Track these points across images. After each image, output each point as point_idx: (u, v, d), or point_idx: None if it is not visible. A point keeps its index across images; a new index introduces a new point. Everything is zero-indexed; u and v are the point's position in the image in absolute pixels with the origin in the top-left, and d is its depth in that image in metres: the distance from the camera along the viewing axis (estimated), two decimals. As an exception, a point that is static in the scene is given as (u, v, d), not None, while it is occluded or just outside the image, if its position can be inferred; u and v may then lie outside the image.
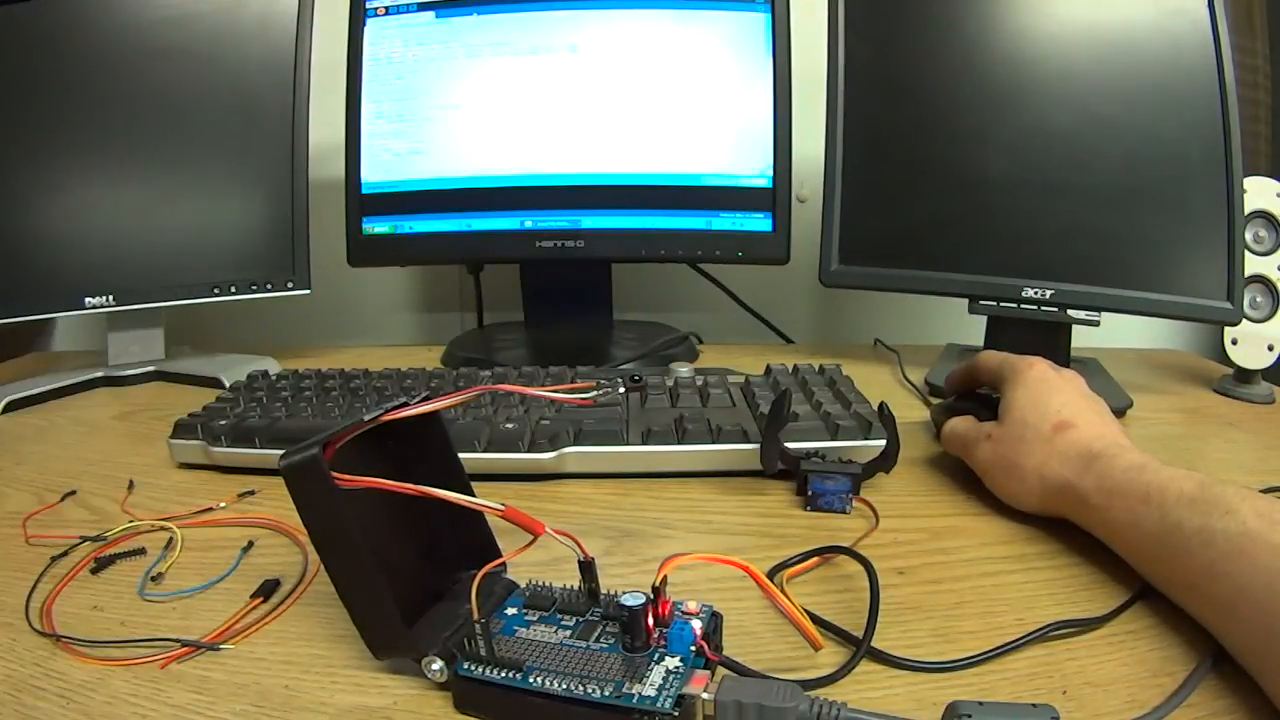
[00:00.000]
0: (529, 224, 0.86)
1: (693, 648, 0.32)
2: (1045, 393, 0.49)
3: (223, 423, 0.57)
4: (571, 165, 0.85)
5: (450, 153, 0.86)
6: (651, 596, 0.32)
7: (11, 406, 0.74)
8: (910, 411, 0.69)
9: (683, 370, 0.68)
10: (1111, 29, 0.71)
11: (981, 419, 0.54)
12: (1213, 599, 0.35)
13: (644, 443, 0.54)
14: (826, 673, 0.33)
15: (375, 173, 0.87)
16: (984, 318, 0.79)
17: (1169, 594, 0.38)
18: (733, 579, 0.40)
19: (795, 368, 0.68)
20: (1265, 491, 0.37)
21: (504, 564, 0.35)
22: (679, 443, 0.54)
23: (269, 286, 0.85)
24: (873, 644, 0.35)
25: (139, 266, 0.82)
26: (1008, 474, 0.48)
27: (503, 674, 0.31)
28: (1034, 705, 0.29)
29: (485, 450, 0.53)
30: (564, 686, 0.30)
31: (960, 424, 0.54)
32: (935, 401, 0.69)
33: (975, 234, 0.77)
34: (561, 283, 0.93)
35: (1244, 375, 0.76)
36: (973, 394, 0.59)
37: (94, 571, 0.43)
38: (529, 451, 0.53)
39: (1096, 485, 0.42)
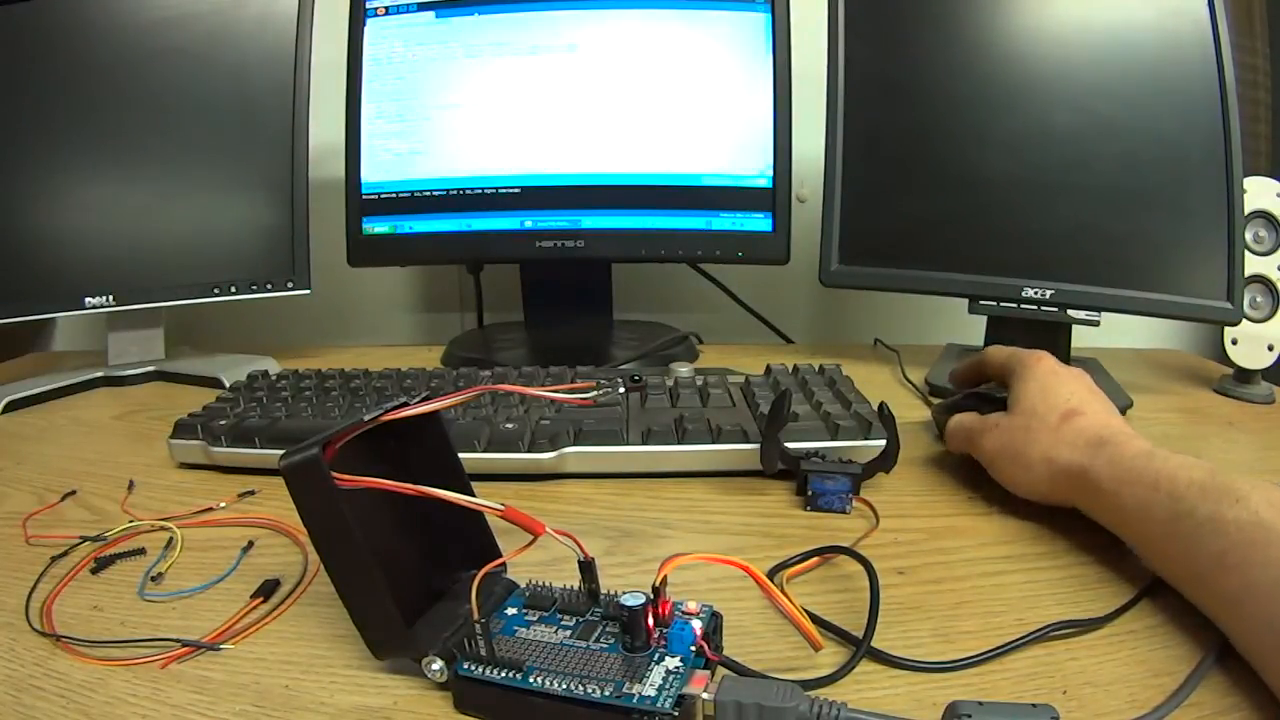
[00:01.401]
0: (529, 224, 0.86)
1: (693, 648, 0.32)
2: (1054, 384, 0.49)
3: (223, 423, 0.57)
4: (571, 165, 0.85)
5: (450, 153, 0.86)
6: (651, 596, 0.32)
7: (11, 406, 0.74)
8: (910, 411, 0.69)
9: (683, 370, 0.67)
10: (1111, 28, 0.71)
11: (985, 414, 0.54)
12: (1221, 590, 0.34)
13: (644, 443, 0.54)
14: (826, 673, 0.33)
15: (375, 173, 0.87)
16: (984, 318, 0.79)
17: (1177, 584, 0.38)
18: (733, 579, 0.40)
19: (795, 368, 0.68)
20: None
21: (504, 564, 0.35)
22: (679, 443, 0.54)
23: (269, 286, 0.85)
24: (873, 644, 0.35)
25: (139, 266, 0.82)
26: (1015, 461, 0.48)
27: (503, 674, 0.31)
28: (1034, 705, 0.29)
29: (485, 450, 0.53)
30: (564, 686, 0.30)
31: (966, 418, 0.54)
32: (936, 401, 0.69)
33: (975, 234, 0.77)
34: (561, 283, 0.93)
35: (1244, 375, 0.76)
36: (975, 393, 0.59)
37: (94, 571, 0.43)
38: (529, 451, 0.53)
39: (1107, 471, 0.42)
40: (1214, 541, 0.35)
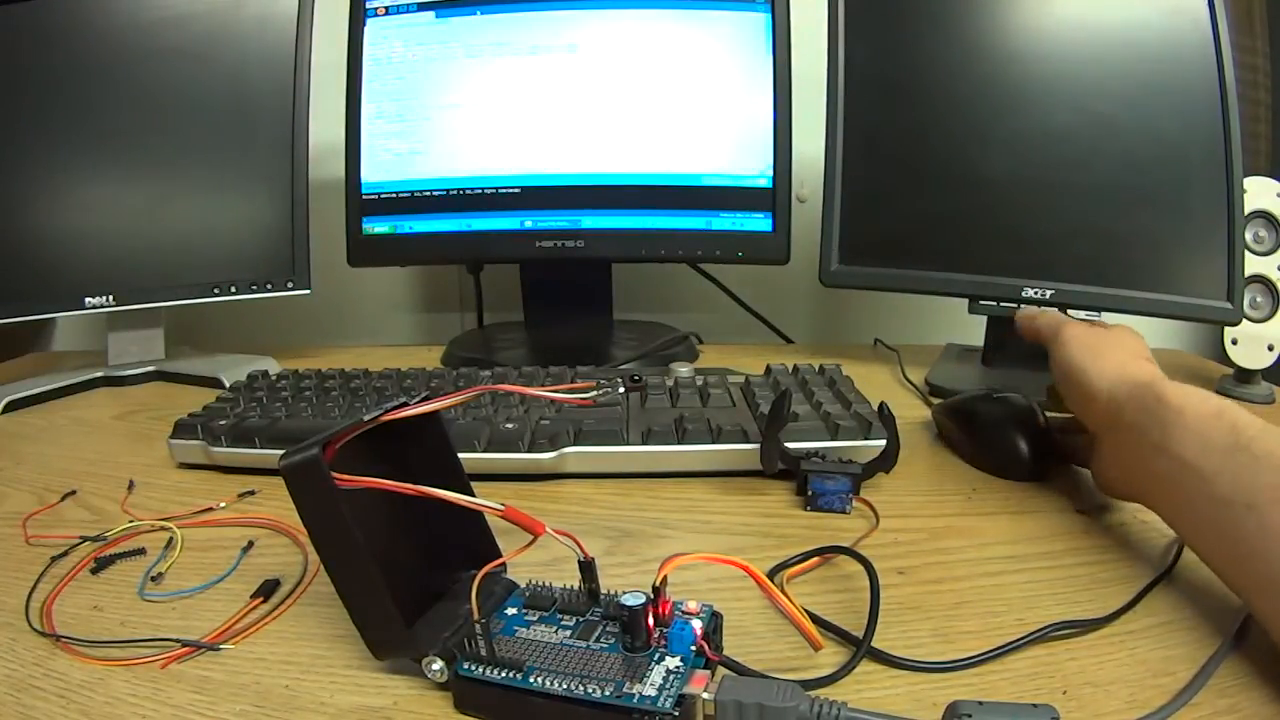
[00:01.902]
0: (529, 224, 0.86)
1: (693, 647, 0.32)
2: (1140, 342, 0.52)
3: (223, 423, 0.57)
4: (571, 165, 0.85)
5: (450, 153, 0.86)
6: (651, 596, 0.32)
7: (11, 406, 0.74)
8: (910, 411, 0.68)
9: (683, 370, 0.67)
10: (1112, 28, 0.71)
11: (985, 417, 0.54)
12: (1270, 525, 0.34)
13: (644, 443, 0.54)
14: (826, 673, 0.33)
15: (375, 173, 0.87)
16: (984, 318, 0.79)
17: (1224, 516, 0.37)
18: (733, 579, 0.40)
19: (795, 368, 0.68)
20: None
21: (504, 564, 0.35)
22: (679, 443, 0.54)
23: (269, 286, 0.85)
24: (873, 644, 0.35)
25: (139, 266, 0.82)
26: (1088, 350, 0.50)
27: (503, 674, 0.31)
28: (1034, 705, 0.29)
29: (485, 450, 0.53)
30: (564, 686, 0.30)
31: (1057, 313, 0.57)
32: (936, 402, 0.69)
33: (975, 234, 0.77)
34: (561, 283, 0.93)
35: (1244, 375, 0.76)
36: (979, 395, 0.59)
37: (94, 571, 0.43)
38: (529, 451, 0.53)
39: (1172, 390, 0.42)
40: (1272, 476, 0.35)
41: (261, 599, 0.40)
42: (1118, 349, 0.50)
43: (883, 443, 0.52)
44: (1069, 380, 0.50)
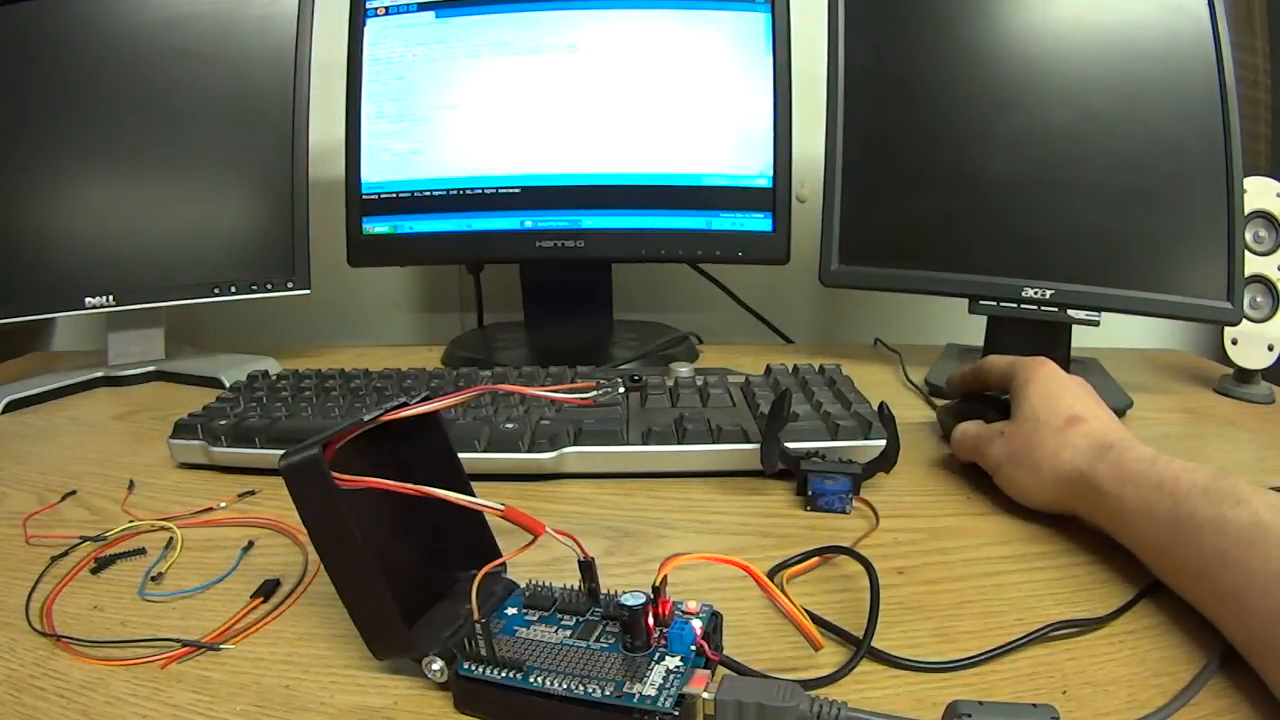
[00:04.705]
0: (529, 224, 0.86)
1: (693, 647, 0.32)
2: (1057, 389, 0.49)
3: (223, 423, 0.57)
4: (571, 165, 0.85)
5: (450, 153, 0.86)
6: (651, 596, 0.32)
7: (11, 406, 0.74)
8: (911, 411, 0.68)
9: (683, 370, 0.67)
10: (1111, 27, 0.71)
11: (989, 420, 0.54)
12: (1221, 589, 0.35)
13: (644, 443, 0.54)
14: (826, 673, 0.33)
15: (375, 173, 0.87)
16: (984, 318, 0.79)
17: (1177, 585, 0.38)
18: (733, 579, 0.40)
19: (795, 368, 0.68)
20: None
21: (504, 564, 0.35)
22: (679, 443, 0.54)
23: (269, 286, 0.85)
24: (873, 644, 0.35)
25: (139, 266, 0.82)
26: (1019, 468, 0.48)
27: (503, 674, 0.31)
28: (1034, 705, 0.29)
29: (485, 450, 0.53)
30: (564, 686, 0.30)
31: (971, 426, 0.54)
32: (939, 402, 0.69)
33: (975, 234, 0.77)
34: (561, 283, 0.93)
35: (1244, 375, 0.76)
36: (980, 395, 0.59)
37: (94, 571, 0.43)
38: (529, 451, 0.53)
39: (1109, 474, 0.42)
40: (1215, 541, 0.35)
41: (261, 599, 0.40)
42: (1043, 444, 0.47)
43: (883, 443, 0.52)
44: (1018, 497, 0.49)
